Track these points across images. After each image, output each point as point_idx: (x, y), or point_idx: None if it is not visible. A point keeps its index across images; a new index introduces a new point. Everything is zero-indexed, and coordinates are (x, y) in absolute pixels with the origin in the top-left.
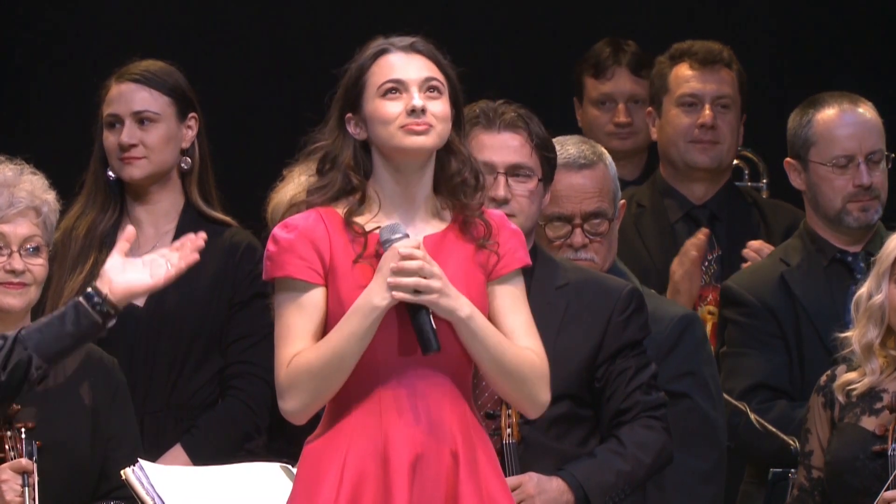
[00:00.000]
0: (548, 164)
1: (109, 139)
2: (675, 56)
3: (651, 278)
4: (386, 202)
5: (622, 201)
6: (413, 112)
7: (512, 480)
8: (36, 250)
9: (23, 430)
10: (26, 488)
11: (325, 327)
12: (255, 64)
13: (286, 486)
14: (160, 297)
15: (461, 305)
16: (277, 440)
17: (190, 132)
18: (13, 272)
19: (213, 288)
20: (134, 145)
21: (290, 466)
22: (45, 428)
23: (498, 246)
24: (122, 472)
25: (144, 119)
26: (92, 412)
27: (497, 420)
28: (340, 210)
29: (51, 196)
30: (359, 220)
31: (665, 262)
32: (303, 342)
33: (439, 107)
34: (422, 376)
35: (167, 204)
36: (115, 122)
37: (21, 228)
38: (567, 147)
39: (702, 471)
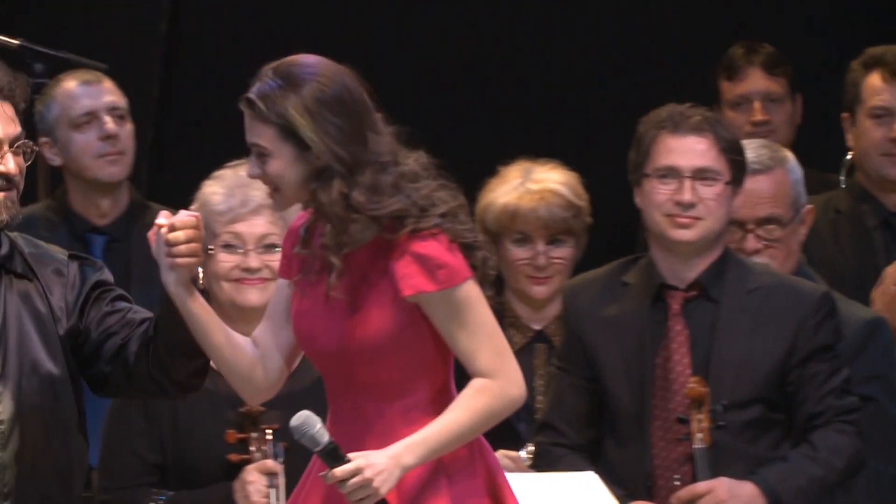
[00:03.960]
0: (736, 167)
1: None
2: (868, 63)
3: (846, 283)
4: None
5: (808, 207)
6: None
7: (703, 485)
8: (273, 247)
9: (269, 431)
10: (272, 489)
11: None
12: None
13: None
14: None
15: (398, 469)
16: None
17: None
18: (248, 270)
19: None
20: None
21: None
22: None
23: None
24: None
25: None
26: None
27: (688, 425)
28: None
29: None
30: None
31: (860, 267)
32: (262, 325)
33: (270, 168)
34: (340, 389)
35: None
36: None
37: (256, 227)
38: (745, 152)
39: (891, 476)
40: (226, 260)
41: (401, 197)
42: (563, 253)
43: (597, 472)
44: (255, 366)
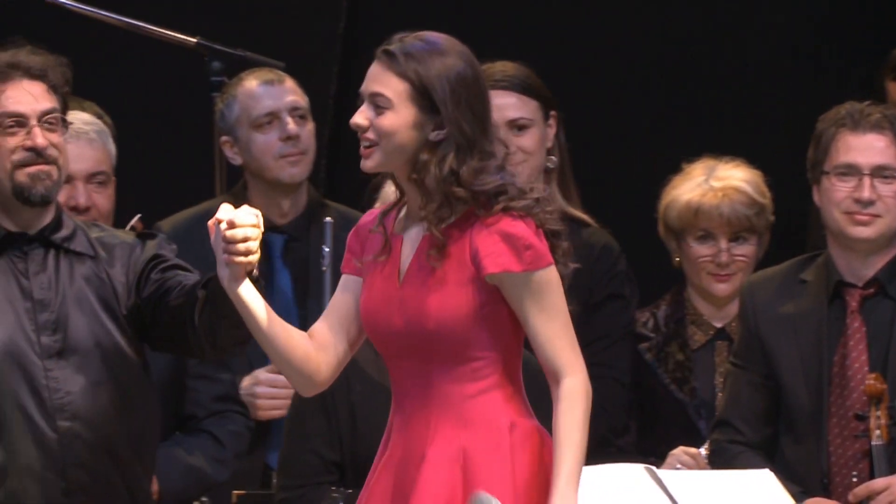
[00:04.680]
0: None
1: None
2: None
3: None
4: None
5: None
6: (358, 128)
7: (880, 482)
8: None
9: None
10: None
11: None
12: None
13: (649, 487)
14: None
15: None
16: (647, 439)
17: (551, 131)
18: None
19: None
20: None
21: (653, 468)
22: None
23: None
24: None
25: (519, 127)
26: None
27: (866, 421)
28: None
29: None
30: (393, 214)
31: None
32: (321, 320)
33: (384, 121)
34: (410, 374)
35: None
36: None
37: None
38: None
39: None
40: None
41: (502, 175)
42: (746, 250)
43: (773, 469)
44: (309, 359)
